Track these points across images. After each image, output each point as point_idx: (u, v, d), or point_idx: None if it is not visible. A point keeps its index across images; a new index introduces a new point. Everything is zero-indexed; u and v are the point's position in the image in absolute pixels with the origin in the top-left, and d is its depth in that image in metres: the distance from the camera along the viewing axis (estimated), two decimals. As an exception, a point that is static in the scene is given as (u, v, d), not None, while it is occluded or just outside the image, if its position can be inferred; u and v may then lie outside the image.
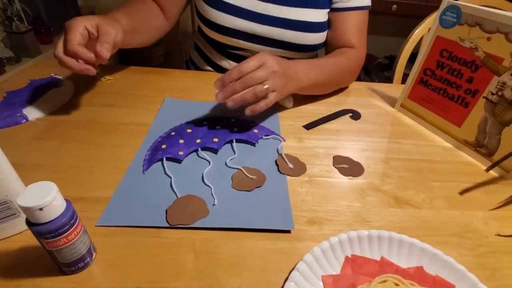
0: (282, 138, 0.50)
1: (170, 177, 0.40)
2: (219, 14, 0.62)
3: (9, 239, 0.31)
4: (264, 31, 0.63)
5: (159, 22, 0.65)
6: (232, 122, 0.51)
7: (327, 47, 0.68)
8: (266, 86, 0.43)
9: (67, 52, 0.42)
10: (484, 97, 0.47)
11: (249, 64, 0.43)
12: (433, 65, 0.54)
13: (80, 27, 0.43)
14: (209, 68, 0.74)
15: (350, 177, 0.44)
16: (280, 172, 0.43)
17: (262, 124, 0.52)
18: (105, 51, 0.43)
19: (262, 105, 0.45)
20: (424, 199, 0.41)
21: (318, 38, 0.65)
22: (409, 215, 0.38)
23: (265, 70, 0.44)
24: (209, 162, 0.43)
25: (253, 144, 0.48)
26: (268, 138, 0.49)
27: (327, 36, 0.66)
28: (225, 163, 0.43)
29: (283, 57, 0.49)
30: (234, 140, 0.47)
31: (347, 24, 0.63)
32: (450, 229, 0.37)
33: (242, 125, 0.50)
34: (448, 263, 0.31)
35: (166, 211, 0.35)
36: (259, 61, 0.44)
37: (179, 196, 0.37)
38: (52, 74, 0.63)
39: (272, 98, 0.45)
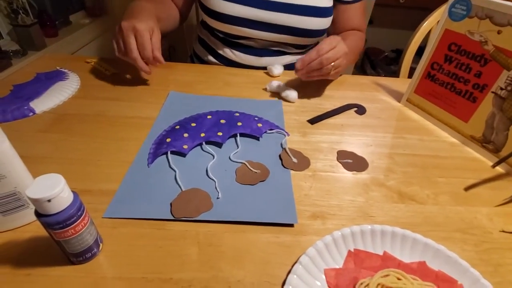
0: (286, 132, 0.50)
1: (175, 171, 0.40)
2: (222, 3, 0.62)
3: (19, 230, 0.32)
4: (268, 17, 0.62)
5: (176, 13, 0.71)
6: (236, 116, 0.51)
7: (335, 30, 0.72)
8: (332, 64, 0.52)
9: (143, 57, 0.52)
10: (492, 92, 0.46)
11: (325, 47, 0.51)
12: (441, 59, 0.53)
13: (148, 34, 0.51)
14: (212, 58, 0.74)
15: (354, 172, 0.43)
16: (284, 167, 0.43)
17: (266, 118, 0.52)
18: (161, 57, 0.53)
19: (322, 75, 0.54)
20: (429, 194, 0.41)
21: (324, 23, 0.65)
22: (413, 210, 0.38)
23: (339, 52, 0.52)
24: (213, 156, 0.43)
25: (257, 138, 0.48)
26: (272, 132, 0.49)
27: (335, 21, 0.69)
28: (229, 157, 0.43)
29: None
30: (238, 134, 0.47)
31: (356, 12, 0.70)
32: (454, 225, 0.37)
33: (246, 119, 0.50)
34: (451, 259, 0.31)
35: (171, 204, 0.36)
36: (331, 44, 0.51)
37: (183, 189, 0.38)
38: (58, 68, 0.63)
39: (333, 74, 0.54)
